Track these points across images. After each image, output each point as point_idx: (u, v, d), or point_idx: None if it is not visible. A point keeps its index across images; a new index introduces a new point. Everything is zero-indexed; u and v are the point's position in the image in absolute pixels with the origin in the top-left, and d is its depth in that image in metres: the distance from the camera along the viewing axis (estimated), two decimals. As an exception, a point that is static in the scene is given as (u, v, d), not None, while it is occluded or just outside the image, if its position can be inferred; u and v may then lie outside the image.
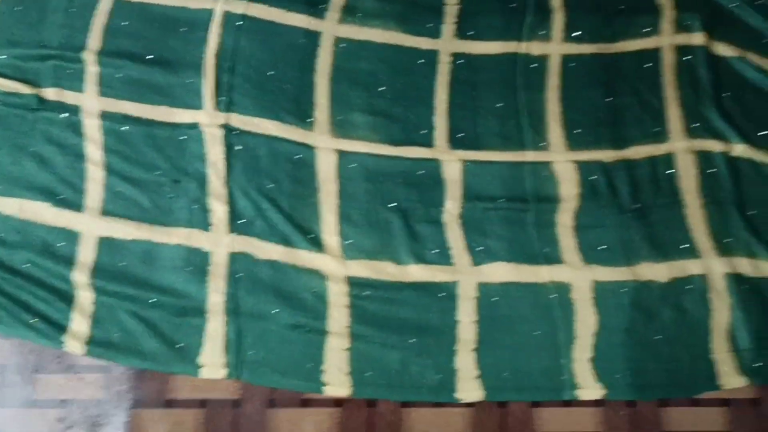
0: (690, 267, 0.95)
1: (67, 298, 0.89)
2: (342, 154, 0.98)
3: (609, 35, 1.04)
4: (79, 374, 0.88)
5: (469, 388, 0.90)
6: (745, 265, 0.94)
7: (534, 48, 1.03)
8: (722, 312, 0.92)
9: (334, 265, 0.94)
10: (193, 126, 0.99)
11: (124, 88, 1.00)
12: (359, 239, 0.95)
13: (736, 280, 0.93)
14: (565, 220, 0.96)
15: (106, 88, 1.00)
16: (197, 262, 0.93)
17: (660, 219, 0.97)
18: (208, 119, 0.98)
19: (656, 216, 0.97)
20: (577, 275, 0.93)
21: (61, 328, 0.88)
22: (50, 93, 0.99)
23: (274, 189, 0.97)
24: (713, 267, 0.94)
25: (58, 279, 0.90)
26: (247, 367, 0.89)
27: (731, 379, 0.90)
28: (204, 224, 0.95)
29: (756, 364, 0.90)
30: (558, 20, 1.04)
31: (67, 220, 0.93)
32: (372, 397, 0.90)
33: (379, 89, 1.02)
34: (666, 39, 1.04)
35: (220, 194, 0.96)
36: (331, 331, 0.91)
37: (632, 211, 0.97)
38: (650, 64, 1.04)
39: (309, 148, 0.98)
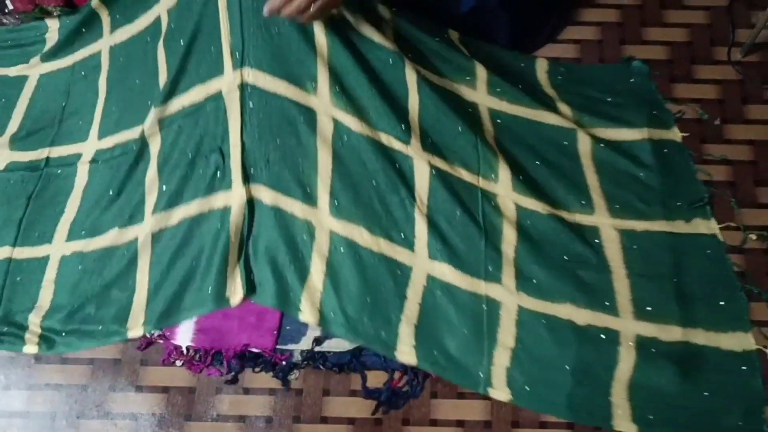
0: (607, 321, 1.03)
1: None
2: (337, 124, 1.07)
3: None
4: (113, 420, 1.06)
5: (407, 353, 1.01)
6: (658, 331, 1.02)
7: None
8: (627, 364, 1.00)
9: (321, 219, 1.06)
10: (217, 96, 1.09)
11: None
12: (345, 203, 1.06)
13: (647, 342, 1.01)
14: (508, 251, 1.07)
15: None
16: (224, 218, 1.05)
17: (588, 276, 1.06)
18: (228, 83, 1.07)
19: (585, 273, 1.06)
20: (509, 298, 1.04)
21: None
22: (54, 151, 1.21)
23: (280, 144, 1.06)
24: (628, 327, 1.02)
25: None
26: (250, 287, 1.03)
27: (623, 424, 0.97)
28: (227, 185, 1.07)
29: (648, 416, 0.98)
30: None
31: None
32: (338, 335, 1.04)
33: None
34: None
35: (237, 154, 1.06)
36: (313, 272, 1.04)
37: (563, 260, 1.07)
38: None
39: (311, 112, 1.07)
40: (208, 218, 1.08)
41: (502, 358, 1.01)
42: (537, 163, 1.15)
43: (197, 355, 1.10)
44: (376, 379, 1.07)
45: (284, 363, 1.08)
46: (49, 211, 1.19)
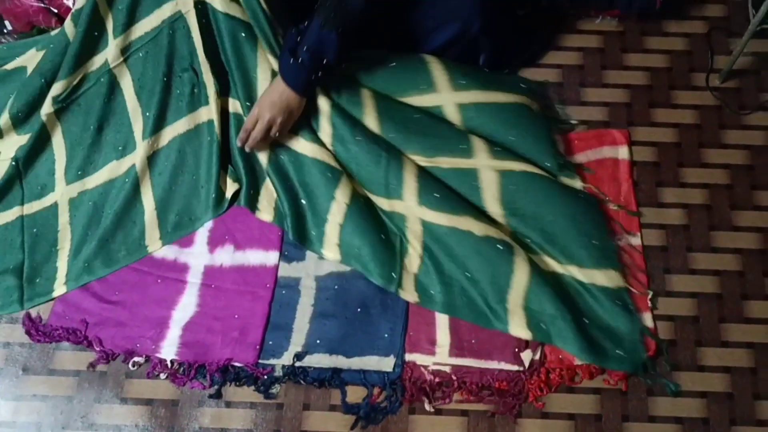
0: (502, 234, 1.12)
1: None
2: (271, 46, 1.17)
3: None
4: (97, 431, 1.08)
5: (332, 250, 1.15)
6: (537, 261, 1.12)
7: None
8: (522, 275, 1.08)
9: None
10: (176, 17, 1.18)
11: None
12: None
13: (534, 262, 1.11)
14: (410, 168, 1.16)
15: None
16: (211, 131, 1.20)
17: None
18: (184, 2, 1.16)
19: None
20: (411, 212, 1.13)
21: None
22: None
23: (230, 58, 1.18)
24: (514, 248, 1.10)
25: None
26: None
27: (519, 330, 1.07)
28: (206, 99, 1.20)
29: (541, 326, 1.07)
30: None
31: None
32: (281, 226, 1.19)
33: None
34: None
35: (208, 69, 1.18)
36: (266, 175, 1.20)
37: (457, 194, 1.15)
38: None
39: (250, 27, 1.16)
40: (197, 133, 1.21)
41: (412, 265, 1.13)
42: (416, 116, 1.21)
43: (181, 369, 1.12)
44: (355, 394, 1.10)
45: (266, 377, 1.10)
46: (42, 164, 1.27)
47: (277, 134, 1.15)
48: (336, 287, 1.16)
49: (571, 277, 1.12)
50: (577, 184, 1.19)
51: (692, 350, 1.11)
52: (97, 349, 1.14)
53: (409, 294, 1.11)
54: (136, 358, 1.13)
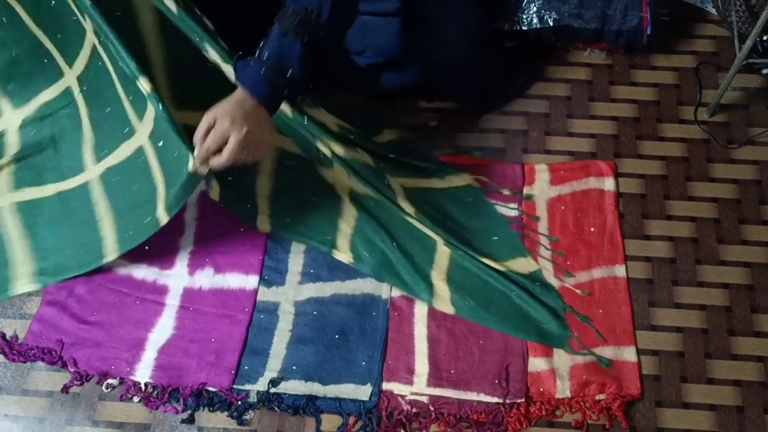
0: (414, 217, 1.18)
1: None
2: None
3: None
4: None
5: (264, 222, 1.19)
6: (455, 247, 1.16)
7: None
8: (443, 258, 1.15)
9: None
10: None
11: None
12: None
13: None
14: (336, 147, 1.17)
15: None
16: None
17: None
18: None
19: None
20: (342, 181, 1.19)
21: None
22: None
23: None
24: (435, 238, 1.17)
25: None
26: None
27: (441, 305, 1.12)
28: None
29: (464, 302, 1.12)
30: None
31: None
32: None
33: None
34: None
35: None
36: None
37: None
38: None
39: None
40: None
41: (345, 228, 1.17)
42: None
43: (155, 392, 1.11)
44: (330, 423, 1.07)
45: (240, 403, 1.09)
46: None
47: (247, 155, 0.96)
48: (315, 313, 1.15)
49: (487, 264, 1.14)
50: (465, 177, 1.25)
51: (677, 386, 1.09)
52: (72, 369, 1.12)
53: (343, 255, 1.16)
54: (110, 380, 1.12)
